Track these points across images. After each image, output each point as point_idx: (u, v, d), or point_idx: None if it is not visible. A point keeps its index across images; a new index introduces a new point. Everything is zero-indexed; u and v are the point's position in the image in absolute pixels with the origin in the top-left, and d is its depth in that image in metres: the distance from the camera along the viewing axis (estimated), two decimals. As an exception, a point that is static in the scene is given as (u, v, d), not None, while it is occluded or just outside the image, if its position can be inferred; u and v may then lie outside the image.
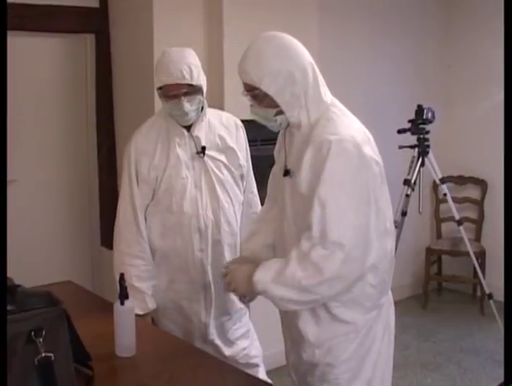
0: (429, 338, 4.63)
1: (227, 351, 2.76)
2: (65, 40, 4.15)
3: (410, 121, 4.49)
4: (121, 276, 2.10)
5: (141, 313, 2.55)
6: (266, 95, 1.98)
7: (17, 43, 3.81)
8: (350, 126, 2.00)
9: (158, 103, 2.75)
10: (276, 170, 2.22)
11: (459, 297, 5.46)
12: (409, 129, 4.46)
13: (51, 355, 1.61)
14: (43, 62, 4.16)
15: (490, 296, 4.54)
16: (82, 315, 2.06)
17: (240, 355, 2.80)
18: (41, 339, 1.59)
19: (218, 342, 2.75)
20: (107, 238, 3.95)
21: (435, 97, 5.19)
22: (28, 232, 4.16)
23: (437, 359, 4.30)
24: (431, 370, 4.13)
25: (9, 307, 1.62)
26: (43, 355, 1.60)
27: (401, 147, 4.38)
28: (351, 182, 1.90)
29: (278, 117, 2.03)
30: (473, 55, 5.33)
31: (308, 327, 2.07)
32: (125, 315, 2.07)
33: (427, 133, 4.51)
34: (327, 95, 2.06)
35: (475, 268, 4.69)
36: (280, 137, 2.20)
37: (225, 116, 2.82)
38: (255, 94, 2.00)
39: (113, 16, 4.06)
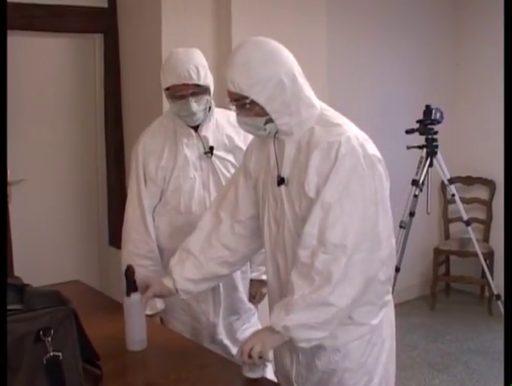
0: (437, 339, 4.62)
1: (235, 351, 2.76)
2: (74, 40, 4.16)
3: (418, 122, 4.48)
4: (128, 268, 2.12)
5: (150, 313, 2.55)
6: (255, 104, 1.91)
7: (26, 42, 3.83)
8: (351, 126, 1.96)
9: (166, 103, 2.75)
10: (262, 180, 2.10)
11: (467, 298, 5.44)
12: (417, 130, 4.44)
13: (60, 354, 1.62)
14: (51, 62, 4.17)
15: (498, 297, 4.52)
16: (90, 314, 2.07)
17: (248, 354, 2.80)
18: (49, 339, 1.60)
19: (227, 342, 2.75)
20: (115, 238, 3.96)
21: (443, 97, 5.16)
22: (36, 231, 4.17)
23: (445, 359, 4.29)
24: (438, 370, 4.12)
25: (17, 306, 1.63)
26: (52, 354, 1.60)
27: (409, 147, 4.37)
28: (358, 183, 1.85)
29: (268, 126, 1.95)
30: (482, 54, 5.29)
31: None
32: (134, 307, 2.09)
33: (436, 133, 4.50)
34: (315, 99, 2.00)
35: (483, 268, 4.68)
36: (266, 146, 2.08)
37: (233, 115, 2.79)
38: (243, 103, 1.92)
39: (121, 16, 4.07)
